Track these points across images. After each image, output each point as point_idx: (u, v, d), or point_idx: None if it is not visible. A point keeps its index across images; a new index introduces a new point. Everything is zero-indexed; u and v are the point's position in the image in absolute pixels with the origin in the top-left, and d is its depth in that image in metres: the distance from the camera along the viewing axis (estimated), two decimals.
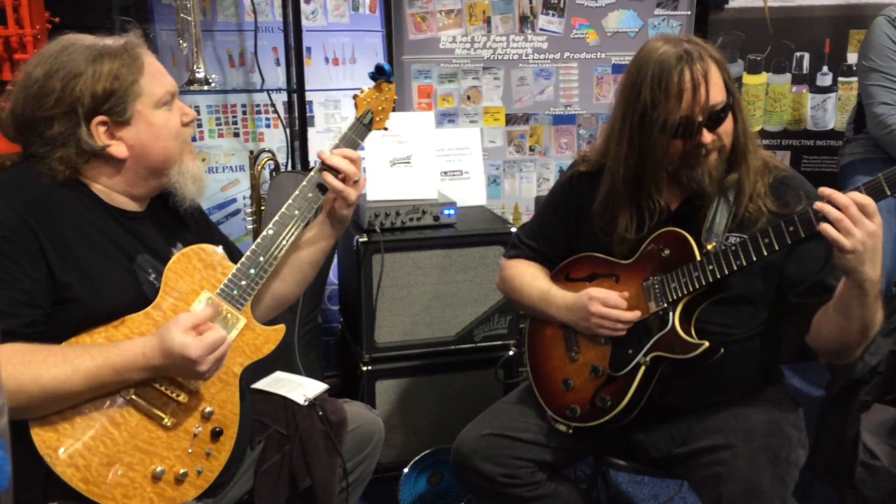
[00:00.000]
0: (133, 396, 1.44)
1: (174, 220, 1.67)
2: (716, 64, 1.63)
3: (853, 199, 1.44)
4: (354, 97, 1.73)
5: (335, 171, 1.65)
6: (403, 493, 2.38)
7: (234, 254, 1.68)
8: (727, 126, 1.65)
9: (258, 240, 1.61)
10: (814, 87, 3.53)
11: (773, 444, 1.65)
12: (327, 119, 3.10)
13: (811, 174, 3.43)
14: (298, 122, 2.84)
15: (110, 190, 1.53)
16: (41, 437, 1.37)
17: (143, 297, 1.50)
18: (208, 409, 1.53)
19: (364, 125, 1.73)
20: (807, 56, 3.50)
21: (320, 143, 3.09)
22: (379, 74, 1.75)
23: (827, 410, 2.53)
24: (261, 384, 1.85)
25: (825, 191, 1.48)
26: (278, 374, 1.90)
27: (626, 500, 2.58)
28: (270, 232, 1.61)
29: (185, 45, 2.64)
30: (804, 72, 3.51)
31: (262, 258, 1.59)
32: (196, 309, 1.52)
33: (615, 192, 1.75)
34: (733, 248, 1.62)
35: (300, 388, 1.81)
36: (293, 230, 1.63)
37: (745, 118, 1.70)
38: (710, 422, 1.74)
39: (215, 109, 2.97)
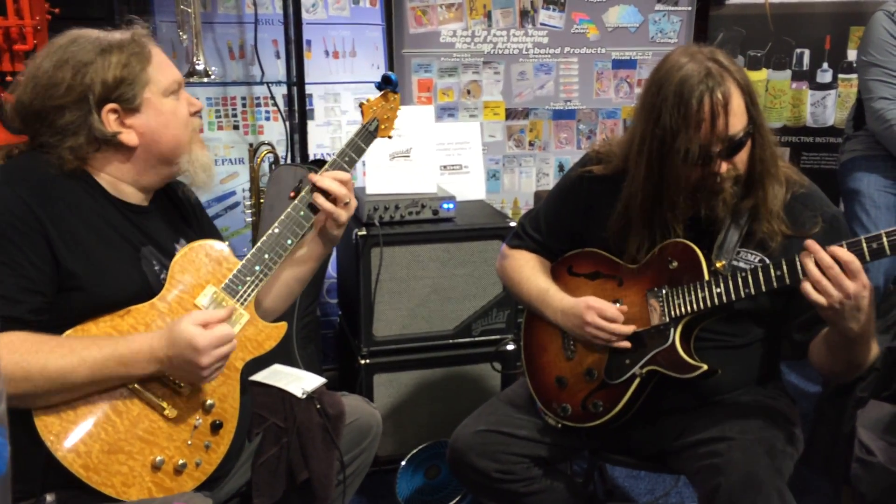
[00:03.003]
0: (136, 385, 1.45)
1: (177, 216, 1.69)
2: (738, 88, 1.56)
3: (836, 255, 1.43)
4: (361, 105, 1.76)
5: (326, 193, 1.65)
6: (400, 486, 2.39)
7: None
8: (744, 154, 1.61)
9: (263, 237, 1.62)
10: (814, 84, 3.52)
11: (768, 435, 1.66)
12: (327, 112, 3.10)
13: (810, 171, 3.42)
14: (298, 115, 2.84)
15: (118, 180, 1.54)
16: (44, 422, 1.38)
17: (147, 288, 1.52)
18: (209, 401, 1.54)
19: (370, 132, 1.75)
20: (807, 53, 3.50)
21: (320, 136, 3.09)
22: (385, 84, 1.77)
23: (823, 406, 2.54)
24: (259, 376, 1.85)
25: (812, 246, 1.45)
26: (276, 367, 1.90)
27: (623, 495, 2.58)
28: (276, 231, 1.62)
29: (185, 36, 2.64)
30: (804, 68, 3.51)
31: (266, 255, 1.60)
32: (201, 302, 1.53)
33: (631, 213, 1.72)
34: (743, 273, 1.60)
35: (298, 380, 1.82)
36: (298, 231, 1.64)
37: (768, 141, 1.64)
38: (706, 417, 1.74)
39: (215, 102, 2.97)
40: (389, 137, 1.80)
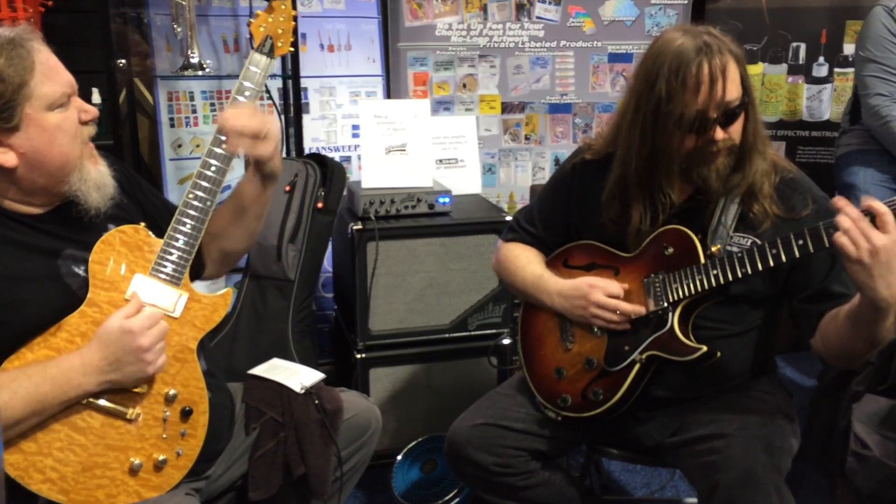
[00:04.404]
0: (90, 399, 1.42)
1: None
2: (734, 59, 1.59)
3: (872, 207, 1.41)
4: (248, 24, 1.58)
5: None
6: (396, 480, 2.38)
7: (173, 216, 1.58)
8: (738, 125, 1.63)
9: (180, 207, 1.52)
10: (810, 78, 3.52)
11: (766, 432, 1.66)
12: (322, 106, 3.09)
13: (806, 165, 3.43)
14: (293, 108, 2.83)
15: (7, 199, 1.42)
16: (8, 462, 1.35)
17: (74, 297, 1.44)
18: (171, 391, 1.50)
19: (266, 55, 1.58)
20: (803, 46, 3.49)
21: (315, 129, 3.08)
22: None
23: (819, 400, 2.55)
24: (257, 370, 1.85)
25: (840, 202, 1.44)
26: (275, 361, 1.89)
27: (619, 489, 2.59)
28: (191, 196, 1.52)
29: (179, 29, 2.62)
30: (800, 62, 3.51)
31: (188, 227, 1.52)
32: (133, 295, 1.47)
33: (626, 183, 1.73)
34: (739, 254, 1.61)
35: (297, 375, 1.81)
36: (216, 189, 1.54)
37: (758, 117, 1.67)
38: (704, 412, 1.74)
39: (209, 95, 2.95)
40: (290, 51, 1.63)
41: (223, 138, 1.54)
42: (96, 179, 1.46)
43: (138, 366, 1.41)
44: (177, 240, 1.52)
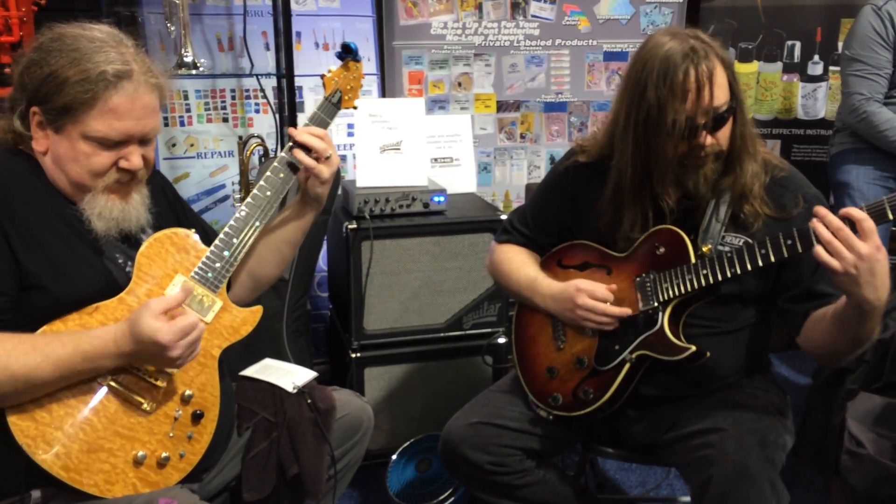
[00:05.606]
0: (111, 383, 1.44)
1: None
2: (721, 63, 1.60)
3: (850, 214, 1.42)
4: (322, 76, 1.74)
5: (306, 149, 1.65)
6: (391, 479, 2.38)
7: (208, 236, 1.66)
8: (727, 129, 1.63)
9: (231, 221, 1.60)
10: (805, 76, 3.53)
11: (760, 427, 1.66)
12: (317, 104, 3.08)
13: (801, 163, 3.44)
14: (288, 107, 2.81)
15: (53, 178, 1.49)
16: (19, 427, 1.36)
17: (113, 283, 1.49)
18: (188, 392, 1.52)
19: (333, 104, 1.73)
20: (798, 45, 3.50)
21: None
22: (346, 53, 1.75)
23: (813, 398, 2.55)
24: (249, 371, 1.84)
25: (820, 211, 1.45)
26: (267, 361, 1.89)
27: (614, 488, 2.59)
28: (243, 213, 1.61)
29: (173, 28, 2.62)
30: (795, 60, 3.51)
31: (235, 240, 1.59)
32: (170, 293, 1.51)
33: (622, 190, 1.73)
34: (728, 254, 1.62)
35: (289, 375, 1.81)
36: (267, 211, 1.63)
37: (747, 119, 1.67)
38: (698, 409, 1.74)
39: (204, 94, 2.95)
40: (354, 108, 1.78)
41: (277, 165, 1.65)
42: (101, 210, 1.48)
43: (163, 366, 1.46)
44: (223, 251, 1.58)
